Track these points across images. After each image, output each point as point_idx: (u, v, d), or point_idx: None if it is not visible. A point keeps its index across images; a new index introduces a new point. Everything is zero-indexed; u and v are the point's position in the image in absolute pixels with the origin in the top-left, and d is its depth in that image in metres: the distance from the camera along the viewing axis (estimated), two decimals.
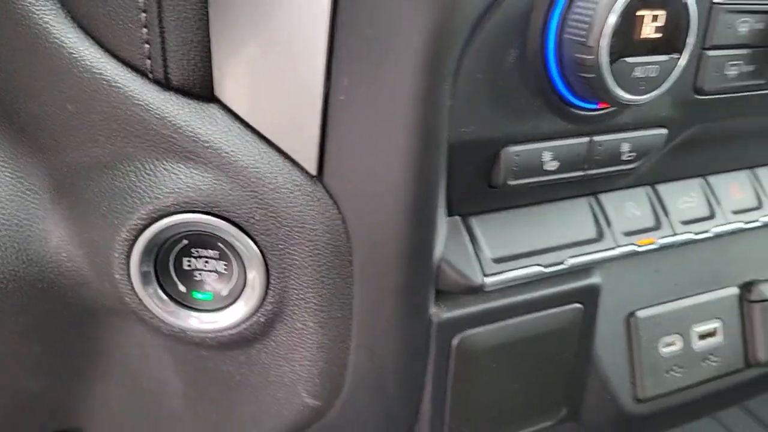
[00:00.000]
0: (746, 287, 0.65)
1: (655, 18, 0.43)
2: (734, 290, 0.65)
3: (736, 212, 0.62)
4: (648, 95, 0.45)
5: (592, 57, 0.42)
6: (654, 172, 0.57)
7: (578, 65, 0.43)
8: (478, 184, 0.48)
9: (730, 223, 0.61)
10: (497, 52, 0.43)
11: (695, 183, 0.61)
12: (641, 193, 0.58)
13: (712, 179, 0.61)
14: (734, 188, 0.62)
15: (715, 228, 0.60)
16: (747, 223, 0.61)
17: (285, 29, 0.43)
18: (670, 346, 0.62)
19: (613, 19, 0.41)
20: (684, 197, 0.60)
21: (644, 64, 0.44)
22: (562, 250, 0.53)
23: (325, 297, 0.48)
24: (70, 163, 0.49)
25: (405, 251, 0.46)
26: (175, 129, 0.45)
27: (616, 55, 0.42)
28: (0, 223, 0.50)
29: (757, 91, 0.53)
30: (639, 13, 0.42)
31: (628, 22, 0.42)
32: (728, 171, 0.63)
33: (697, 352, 0.63)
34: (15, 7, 0.44)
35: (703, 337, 0.64)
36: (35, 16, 0.44)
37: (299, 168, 0.46)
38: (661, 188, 0.59)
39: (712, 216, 0.61)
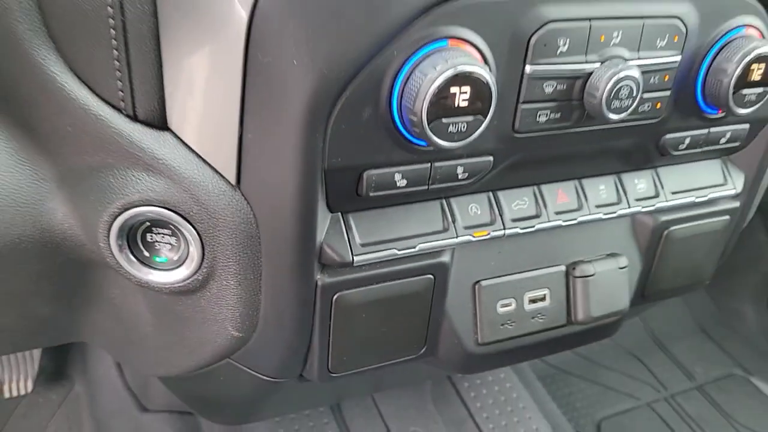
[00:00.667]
0: (572, 265, 0.81)
1: (464, 92, 0.59)
2: (562, 268, 0.81)
3: (558, 213, 0.78)
4: (460, 143, 0.61)
5: (417, 118, 0.59)
6: (495, 182, 0.74)
7: (409, 123, 0.61)
8: (350, 194, 0.66)
9: (552, 221, 0.78)
10: (357, 110, 0.60)
11: (529, 190, 0.77)
12: (484, 197, 0.75)
13: (544, 187, 0.78)
14: (560, 194, 0.79)
15: (538, 225, 0.77)
16: (566, 221, 0.79)
17: (213, 90, 0.62)
18: (506, 307, 0.78)
19: (430, 94, 0.57)
20: (518, 200, 0.76)
21: (456, 122, 0.60)
22: (415, 239, 0.71)
23: (241, 266, 0.68)
24: (70, 165, 0.68)
25: (294, 238, 0.65)
26: (140, 149, 0.63)
27: (433, 117, 0.59)
28: (22, 201, 0.68)
29: (563, 130, 0.70)
30: (452, 90, 0.59)
31: (442, 95, 0.58)
32: (558, 181, 0.79)
33: (528, 311, 0.79)
34: (31, 61, 0.61)
35: (533, 301, 0.79)
36: (45, 67, 0.62)
37: (224, 179, 0.64)
38: (501, 194, 0.75)
39: (538, 215, 0.77)
